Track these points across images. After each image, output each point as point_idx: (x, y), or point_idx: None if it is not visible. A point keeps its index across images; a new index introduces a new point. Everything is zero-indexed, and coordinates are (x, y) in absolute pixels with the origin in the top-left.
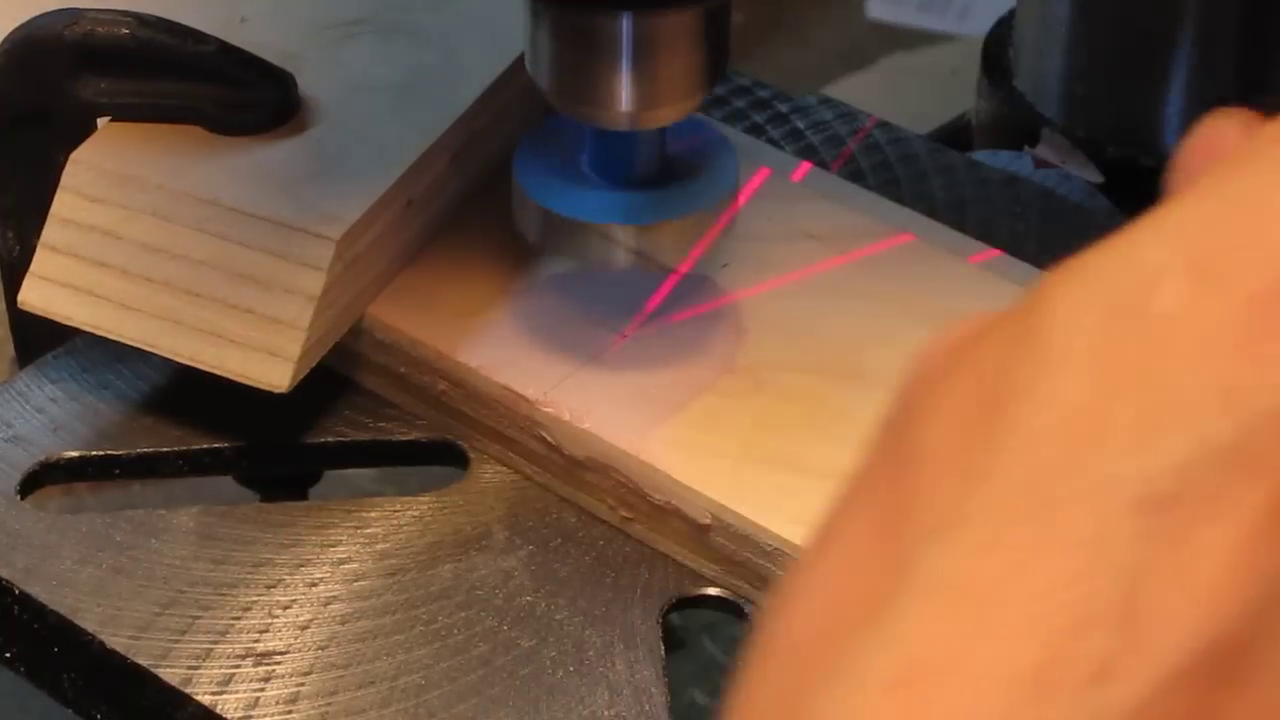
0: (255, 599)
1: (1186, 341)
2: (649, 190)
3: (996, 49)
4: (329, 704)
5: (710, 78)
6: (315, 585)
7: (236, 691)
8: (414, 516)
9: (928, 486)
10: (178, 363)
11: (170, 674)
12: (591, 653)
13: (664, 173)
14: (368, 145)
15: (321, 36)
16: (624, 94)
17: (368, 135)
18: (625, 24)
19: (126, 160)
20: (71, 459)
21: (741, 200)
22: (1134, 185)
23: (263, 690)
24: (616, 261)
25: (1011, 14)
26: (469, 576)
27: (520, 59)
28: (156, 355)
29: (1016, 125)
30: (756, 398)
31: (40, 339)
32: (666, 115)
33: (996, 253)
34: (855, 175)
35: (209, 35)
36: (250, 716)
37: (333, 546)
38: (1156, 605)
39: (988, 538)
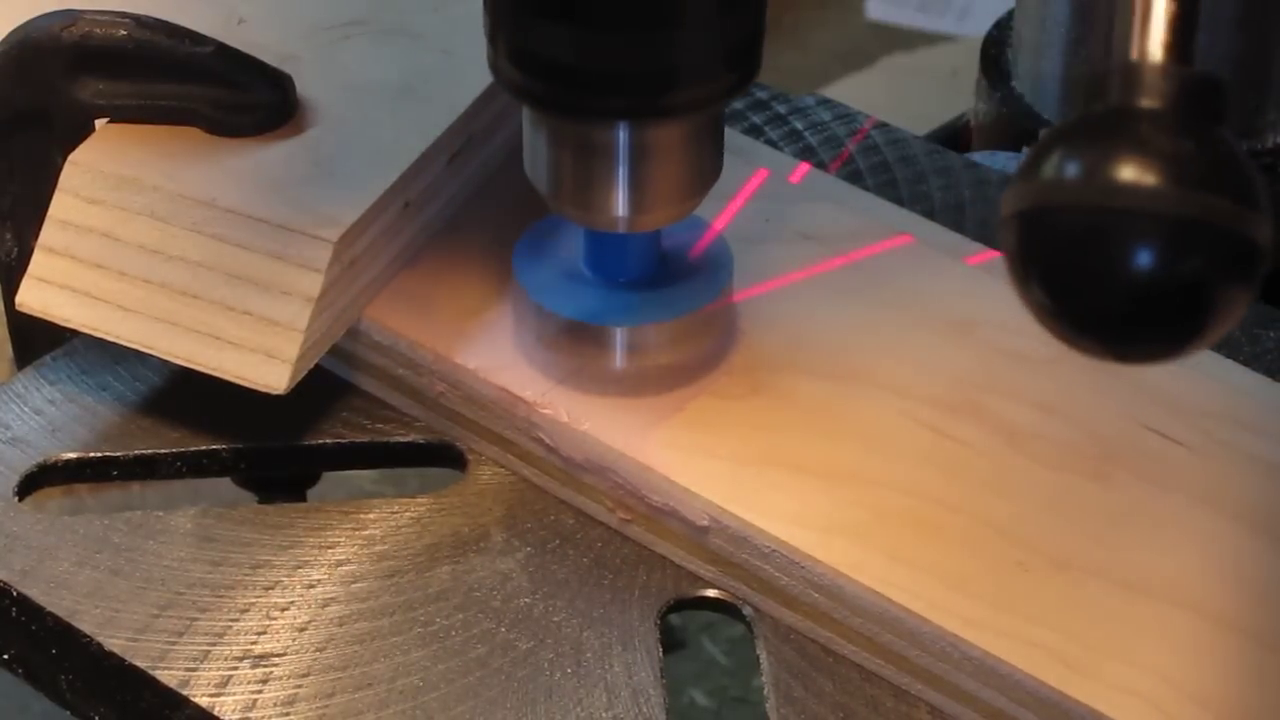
0: (253, 601)
1: None
2: (645, 290)
3: (995, 50)
4: (326, 706)
5: (705, 182)
6: (313, 587)
7: (234, 693)
8: (412, 518)
9: None
10: (176, 364)
11: (168, 676)
12: (589, 654)
13: (661, 272)
14: (365, 147)
15: (319, 38)
16: (618, 199)
17: (365, 136)
18: (621, 133)
19: (124, 162)
20: (70, 461)
21: (740, 202)
22: None
23: (260, 692)
24: (612, 360)
25: (1010, 15)
26: (467, 578)
27: None
28: (154, 357)
29: (1015, 126)
30: (754, 399)
31: (38, 341)
32: (660, 219)
33: (994, 254)
34: (853, 176)
35: (207, 37)
36: (248, 718)
37: (331, 548)
38: None
39: None
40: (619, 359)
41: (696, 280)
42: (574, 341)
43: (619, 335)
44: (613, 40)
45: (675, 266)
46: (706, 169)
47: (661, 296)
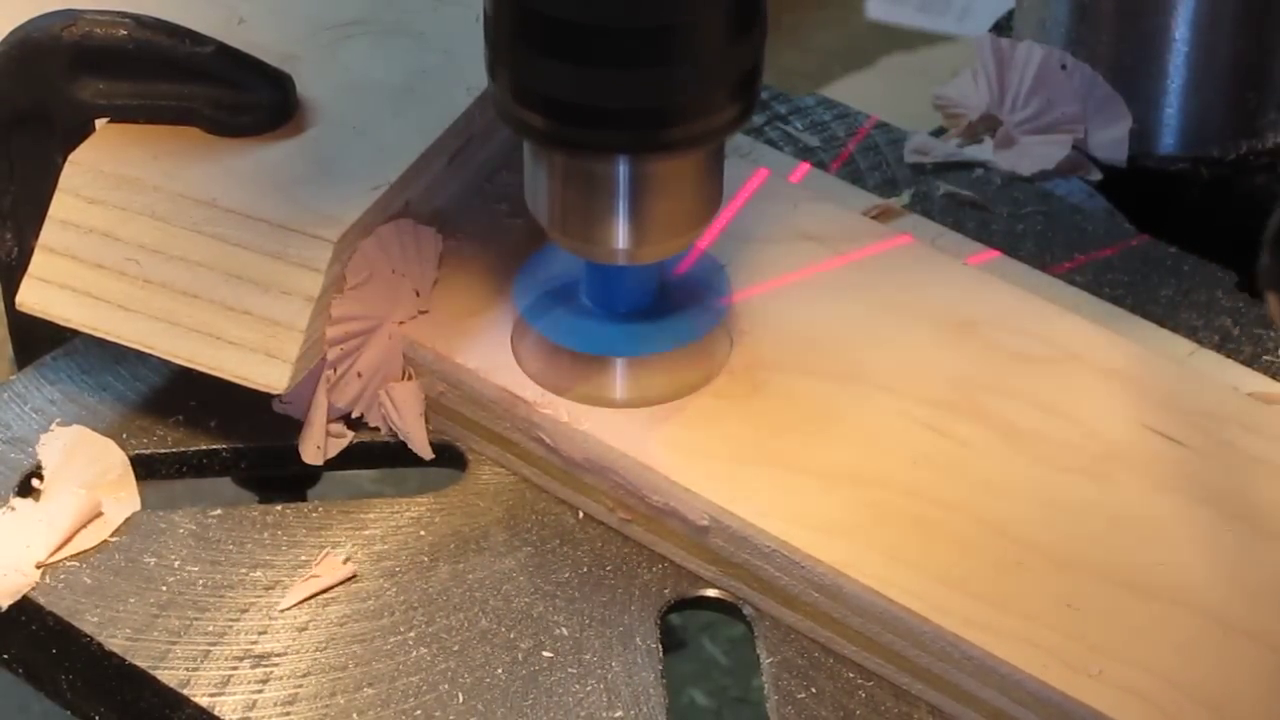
0: (253, 600)
1: None
2: (644, 321)
3: None
4: (327, 706)
5: (705, 214)
6: None
7: (235, 693)
8: (412, 518)
9: None
10: (176, 364)
11: (169, 675)
12: (590, 654)
13: (659, 302)
14: (366, 146)
15: (320, 37)
16: (619, 232)
17: (366, 136)
18: (621, 168)
19: (124, 162)
20: None
21: (740, 202)
22: (1133, 186)
23: (261, 692)
24: (611, 392)
25: (1010, 15)
26: (467, 578)
27: None
28: (155, 357)
29: None
30: (755, 399)
31: (39, 340)
32: (660, 251)
33: (995, 254)
34: (853, 176)
35: (207, 36)
36: (248, 718)
37: (332, 548)
38: None
39: None
40: (618, 388)
41: (696, 310)
42: (570, 370)
43: (618, 364)
44: (613, 77)
45: (673, 294)
46: (706, 201)
47: (661, 327)
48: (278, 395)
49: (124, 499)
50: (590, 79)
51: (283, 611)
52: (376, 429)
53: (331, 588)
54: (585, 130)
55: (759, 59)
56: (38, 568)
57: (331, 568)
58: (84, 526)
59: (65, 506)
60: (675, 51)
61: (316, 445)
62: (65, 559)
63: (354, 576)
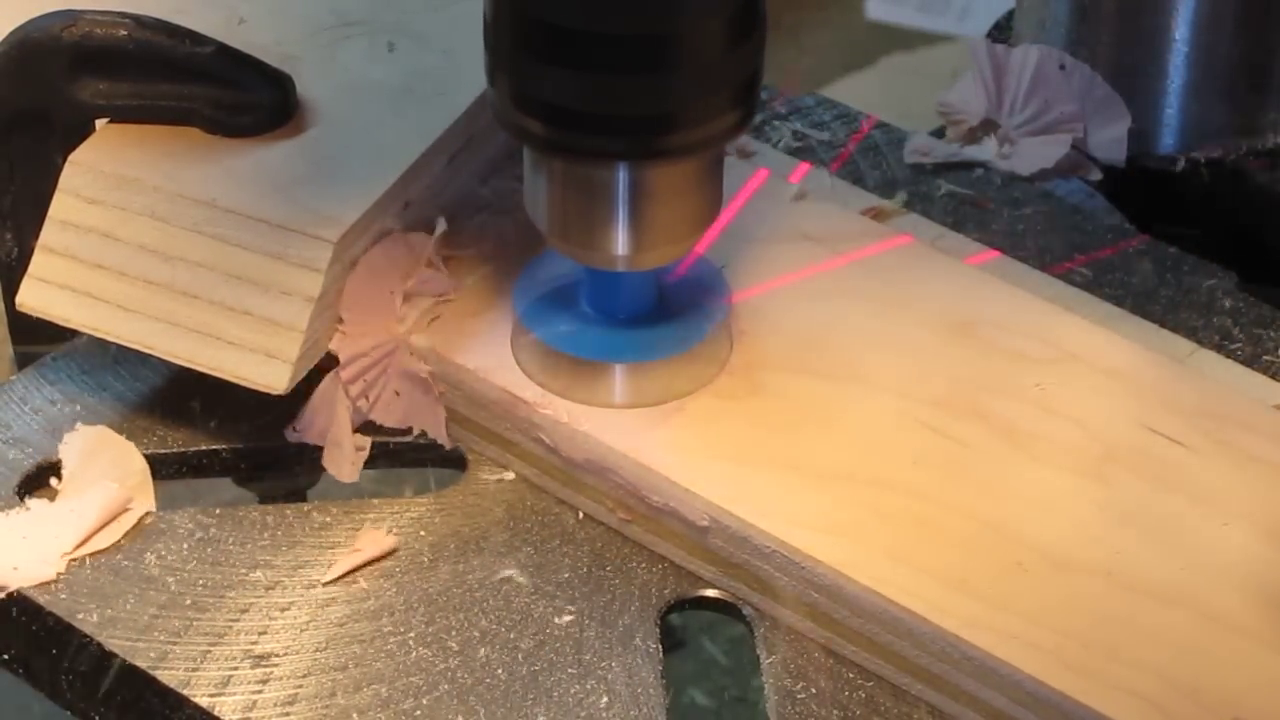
0: (253, 600)
1: None
2: (644, 327)
3: None
4: (327, 706)
5: (704, 220)
6: (313, 587)
7: (234, 693)
8: (412, 518)
9: None
10: (176, 364)
11: (168, 675)
12: (590, 654)
13: (659, 306)
14: (366, 146)
15: (319, 38)
16: (618, 238)
17: (366, 137)
18: (620, 174)
19: (124, 162)
20: None
21: (740, 202)
22: (1133, 185)
23: (261, 692)
24: (610, 397)
25: (1010, 15)
26: (467, 578)
27: None
28: (154, 357)
29: None
30: (755, 399)
31: (39, 341)
32: (660, 257)
33: (994, 254)
34: (854, 176)
35: (207, 37)
36: (248, 718)
37: (331, 548)
38: None
39: None
40: (618, 389)
41: (696, 316)
42: (569, 375)
43: (618, 365)
44: (613, 84)
45: (673, 297)
46: (706, 207)
47: (661, 330)
48: (291, 425)
49: (143, 502)
50: (590, 86)
51: (282, 611)
52: (376, 430)
53: (374, 561)
54: (585, 137)
55: (759, 65)
56: (63, 558)
57: (374, 540)
58: (112, 520)
59: (93, 500)
60: (675, 58)
61: (351, 463)
62: (72, 558)
63: (396, 550)
